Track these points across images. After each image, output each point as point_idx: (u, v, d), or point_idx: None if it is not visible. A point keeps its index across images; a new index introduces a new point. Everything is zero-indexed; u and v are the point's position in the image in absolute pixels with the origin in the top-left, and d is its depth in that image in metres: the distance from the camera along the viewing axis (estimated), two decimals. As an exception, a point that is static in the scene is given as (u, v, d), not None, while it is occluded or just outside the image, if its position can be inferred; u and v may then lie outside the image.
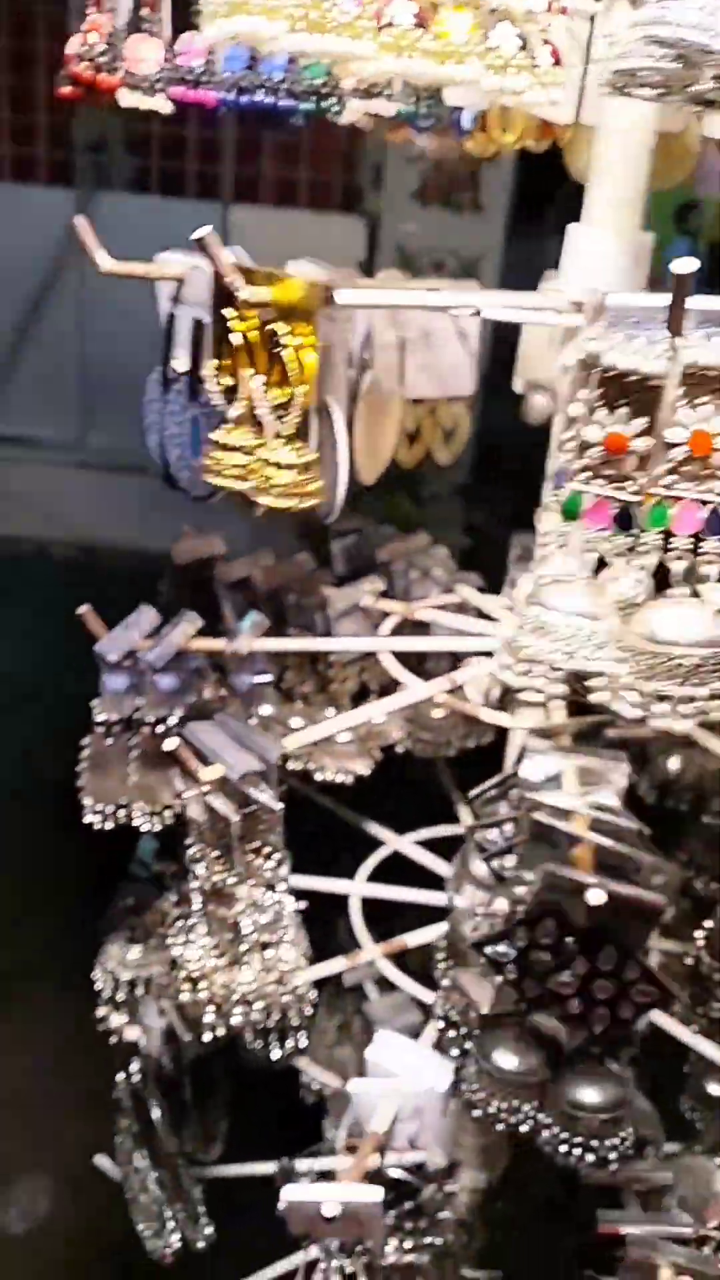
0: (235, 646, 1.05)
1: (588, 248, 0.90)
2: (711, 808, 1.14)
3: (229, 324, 0.83)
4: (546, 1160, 1.03)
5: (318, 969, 1.15)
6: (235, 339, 0.83)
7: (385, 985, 1.47)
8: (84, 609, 1.04)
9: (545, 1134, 0.81)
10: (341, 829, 1.51)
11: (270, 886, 0.90)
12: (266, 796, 0.85)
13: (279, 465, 0.82)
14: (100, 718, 1.05)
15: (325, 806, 1.40)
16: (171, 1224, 1.07)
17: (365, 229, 4.00)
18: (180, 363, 0.97)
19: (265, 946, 0.92)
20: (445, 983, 0.88)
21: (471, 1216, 1.04)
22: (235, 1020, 0.94)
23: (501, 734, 1.15)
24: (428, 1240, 1.02)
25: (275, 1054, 1.20)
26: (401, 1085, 1.00)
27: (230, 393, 0.86)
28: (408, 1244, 1.02)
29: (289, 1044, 1.19)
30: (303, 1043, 1.18)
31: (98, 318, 4.35)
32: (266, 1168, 1.26)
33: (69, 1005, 1.31)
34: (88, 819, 1.08)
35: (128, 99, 0.92)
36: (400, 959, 1.19)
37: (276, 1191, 0.90)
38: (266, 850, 0.88)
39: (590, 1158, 0.79)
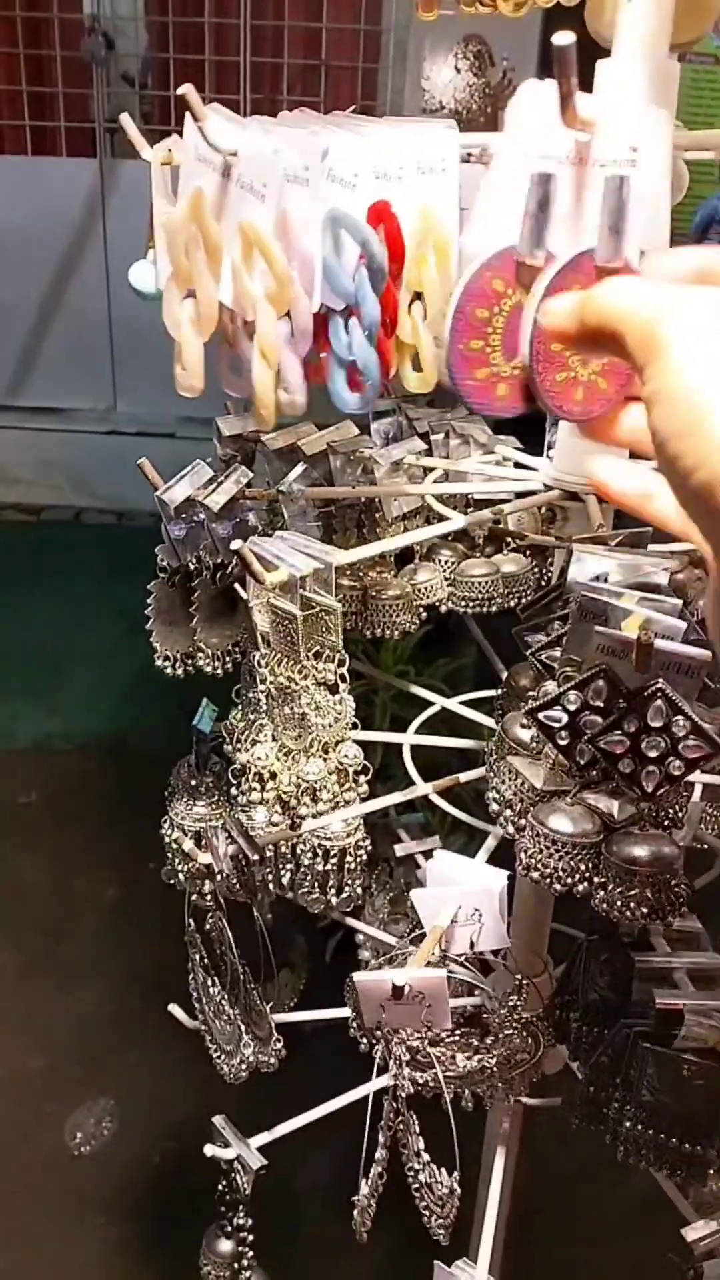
0: (287, 492, 1.11)
1: (614, 78, 0.94)
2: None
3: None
4: (598, 964, 1.08)
5: (376, 802, 1.21)
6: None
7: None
8: (142, 460, 1.10)
9: (600, 893, 0.86)
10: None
11: (332, 689, 0.96)
12: (327, 598, 0.91)
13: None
14: (161, 563, 1.11)
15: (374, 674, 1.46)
16: (246, 1040, 1.14)
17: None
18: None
19: (327, 748, 0.97)
20: (496, 766, 0.93)
21: (533, 1020, 1.09)
22: (303, 814, 1.00)
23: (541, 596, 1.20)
24: (500, 1043, 1.08)
25: (335, 899, 1.27)
26: (460, 890, 1.06)
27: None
28: (473, 1047, 1.08)
29: (348, 890, 1.25)
30: (359, 888, 1.25)
31: (124, 286, 4.42)
32: (326, 1014, 1.32)
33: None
34: (159, 663, 1.15)
35: None
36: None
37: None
38: (327, 653, 0.94)
39: (644, 910, 0.84)
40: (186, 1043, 1.34)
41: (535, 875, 0.87)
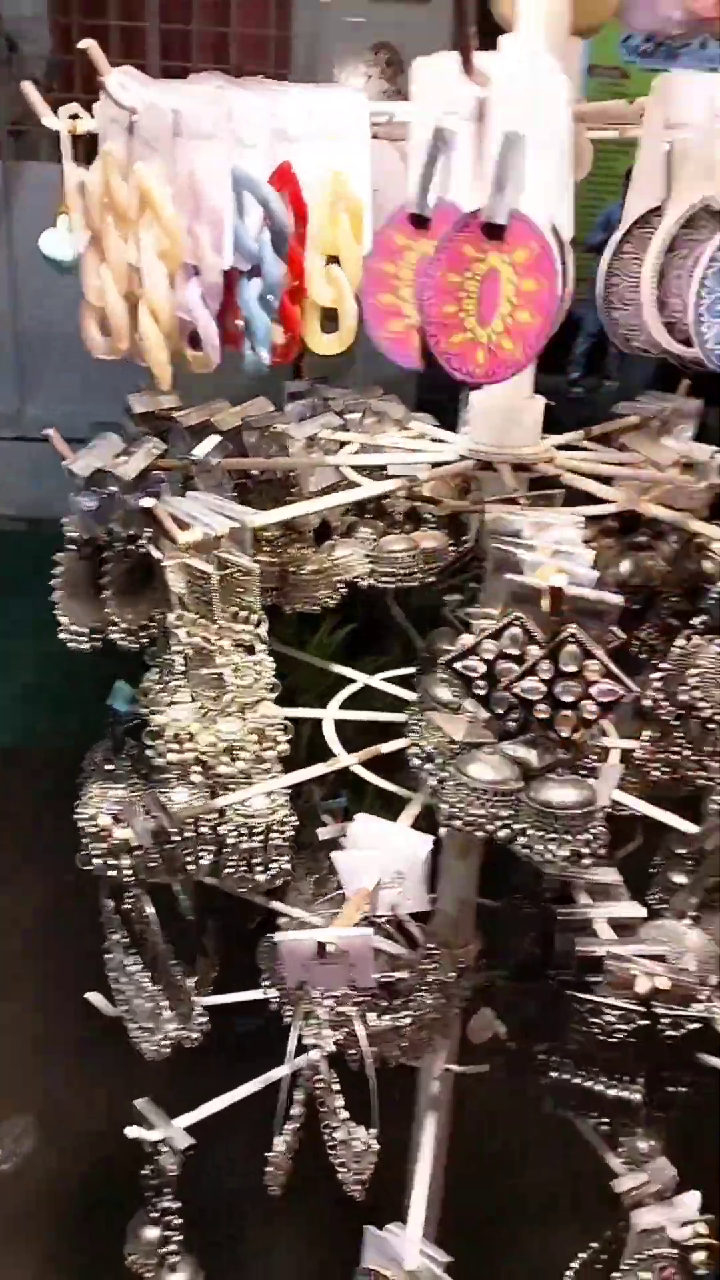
0: (201, 463, 1.11)
1: (516, 45, 0.97)
2: (660, 608, 1.22)
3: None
4: (520, 922, 1.10)
5: (298, 774, 1.21)
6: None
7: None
8: (50, 431, 1.09)
9: (521, 838, 0.88)
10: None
11: (249, 649, 0.96)
12: (243, 558, 0.91)
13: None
14: (71, 535, 1.10)
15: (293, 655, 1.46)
16: (168, 1015, 1.12)
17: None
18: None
19: (245, 709, 0.97)
20: (417, 725, 0.95)
21: (453, 981, 1.10)
22: (223, 771, 0.99)
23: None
24: (413, 1004, 1.09)
25: (261, 877, 1.27)
26: (383, 854, 1.06)
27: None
28: (393, 1007, 1.08)
29: (273, 868, 1.25)
30: (286, 865, 1.25)
31: (30, 285, 4.34)
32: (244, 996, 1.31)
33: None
34: (64, 638, 1.14)
35: None
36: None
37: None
38: (244, 614, 0.94)
39: (564, 852, 0.86)
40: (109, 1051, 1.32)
41: (458, 824, 0.88)
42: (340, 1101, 1.06)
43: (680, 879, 1.18)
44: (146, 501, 0.90)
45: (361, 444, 1.25)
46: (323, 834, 1.61)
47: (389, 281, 0.79)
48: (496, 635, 0.83)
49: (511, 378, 0.76)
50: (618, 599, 0.82)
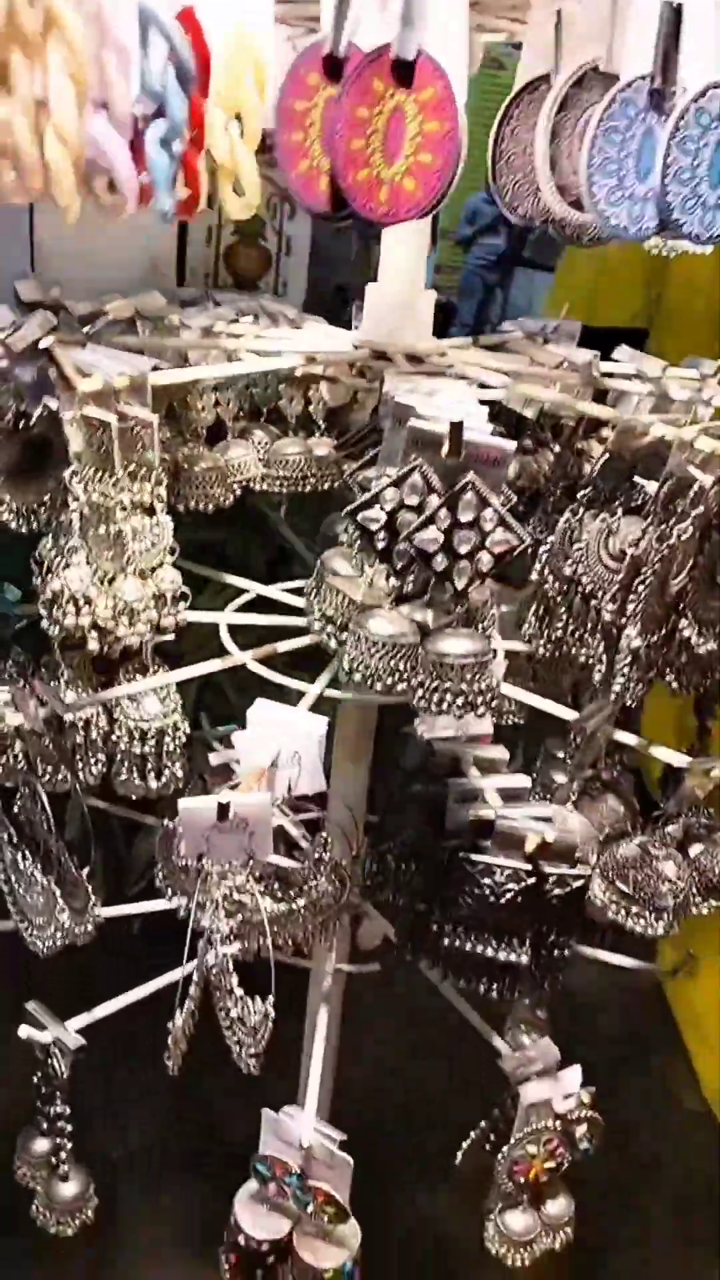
0: (95, 338, 1.09)
1: None
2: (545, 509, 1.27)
3: None
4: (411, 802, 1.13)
5: (193, 669, 1.20)
6: None
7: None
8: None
9: (419, 691, 0.90)
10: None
11: (149, 511, 0.95)
12: (143, 410, 0.90)
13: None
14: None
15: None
16: (61, 907, 1.10)
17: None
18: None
19: (144, 574, 0.96)
20: (317, 589, 0.96)
21: (340, 864, 1.11)
22: (123, 636, 0.98)
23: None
24: (309, 890, 1.10)
25: (154, 783, 1.25)
26: (280, 732, 1.07)
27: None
28: (278, 893, 1.09)
29: (166, 774, 1.24)
30: (178, 771, 1.24)
31: None
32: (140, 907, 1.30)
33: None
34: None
35: None
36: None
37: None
38: (143, 471, 0.93)
39: (459, 703, 0.89)
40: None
41: (358, 677, 0.90)
42: (235, 980, 1.06)
43: (560, 778, 1.22)
44: (46, 341, 0.88)
45: (255, 336, 1.25)
46: (214, 759, 1.60)
47: (299, 119, 0.80)
48: (398, 484, 0.85)
49: (411, 219, 0.77)
50: (511, 444, 0.85)
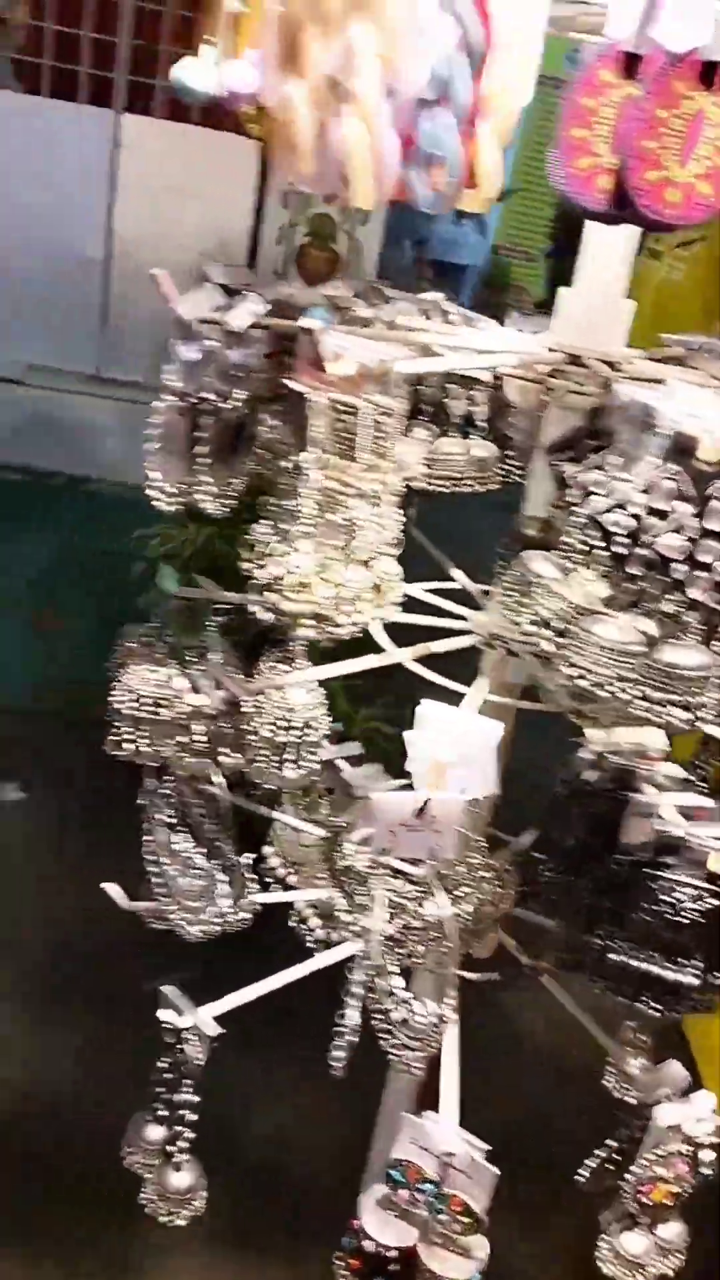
0: (310, 326, 1.07)
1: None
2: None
3: None
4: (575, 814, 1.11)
5: (354, 663, 1.19)
6: None
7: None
8: (157, 271, 1.03)
9: (641, 701, 0.89)
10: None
11: (375, 501, 0.94)
12: (390, 399, 0.89)
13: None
14: (173, 385, 1.03)
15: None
16: (223, 892, 1.08)
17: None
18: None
19: (367, 562, 0.95)
20: (519, 596, 0.94)
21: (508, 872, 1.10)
22: (341, 624, 0.96)
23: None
24: (476, 890, 1.08)
25: (291, 773, 1.24)
26: (455, 734, 1.05)
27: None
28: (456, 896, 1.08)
29: (304, 766, 1.22)
30: (315, 763, 1.22)
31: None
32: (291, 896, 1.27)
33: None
34: (152, 497, 1.07)
35: None
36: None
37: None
38: (380, 464, 0.92)
39: (684, 715, 0.87)
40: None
41: (584, 683, 0.88)
42: (401, 983, 1.05)
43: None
44: (307, 321, 0.87)
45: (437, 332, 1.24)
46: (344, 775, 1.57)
47: (586, 116, 0.79)
48: (648, 489, 0.84)
49: (703, 221, 0.77)
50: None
